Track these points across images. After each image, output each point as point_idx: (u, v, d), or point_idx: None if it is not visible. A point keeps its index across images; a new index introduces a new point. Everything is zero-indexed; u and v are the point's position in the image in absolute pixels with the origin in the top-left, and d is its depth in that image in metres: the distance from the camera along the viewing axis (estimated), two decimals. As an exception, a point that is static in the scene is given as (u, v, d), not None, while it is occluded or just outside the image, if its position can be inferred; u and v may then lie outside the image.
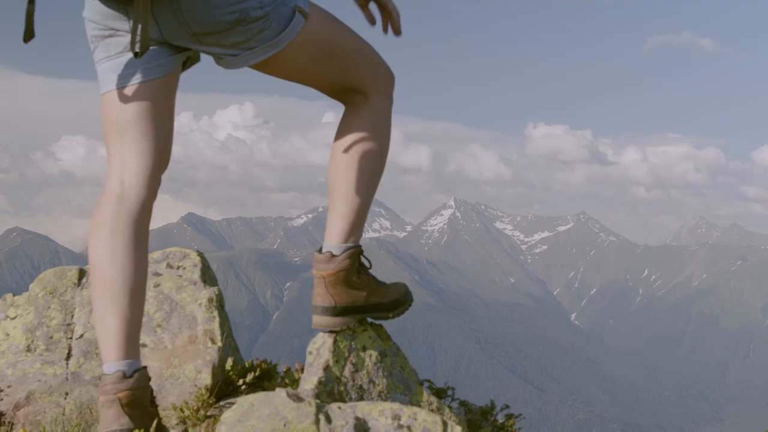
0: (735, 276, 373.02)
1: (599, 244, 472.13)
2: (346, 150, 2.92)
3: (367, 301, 3.01)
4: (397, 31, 2.88)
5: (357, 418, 2.54)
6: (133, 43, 2.54)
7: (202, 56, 2.84)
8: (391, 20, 2.88)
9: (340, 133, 2.95)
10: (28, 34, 2.61)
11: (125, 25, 2.61)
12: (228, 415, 2.51)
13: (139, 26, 2.52)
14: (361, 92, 2.91)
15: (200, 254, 3.69)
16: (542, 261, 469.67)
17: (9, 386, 3.20)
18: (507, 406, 3.54)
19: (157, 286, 3.48)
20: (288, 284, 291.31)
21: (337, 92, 2.95)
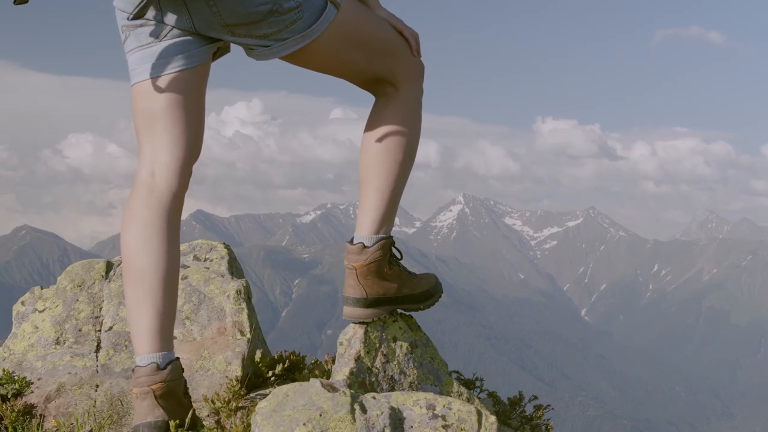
0: (746, 271, 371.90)
1: (609, 239, 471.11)
2: (377, 140, 2.92)
3: (399, 292, 3.01)
4: (416, 55, 2.94)
5: (392, 408, 2.54)
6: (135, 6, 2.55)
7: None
8: (408, 45, 2.93)
9: (371, 124, 2.94)
10: None
11: (157, 14, 2.61)
12: (263, 405, 2.51)
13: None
14: (391, 83, 2.91)
15: (227, 246, 3.70)
16: (552, 256, 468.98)
17: (39, 379, 3.20)
18: (535, 397, 3.54)
19: (184, 278, 3.49)
20: (297, 281, 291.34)
21: (367, 83, 2.94)
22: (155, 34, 2.64)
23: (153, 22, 2.63)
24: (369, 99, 3.00)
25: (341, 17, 2.72)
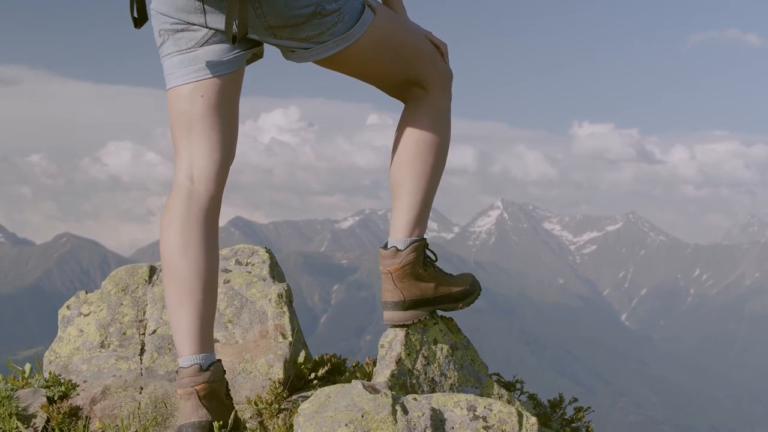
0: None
1: (649, 243, 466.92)
2: (409, 144, 2.95)
3: (436, 292, 3.02)
4: (446, 61, 3.00)
5: (433, 409, 2.56)
6: (229, 27, 2.57)
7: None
8: (439, 51, 2.98)
9: (402, 128, 2.98)
10: (141, 18, 2.67)
11: (200, 18, 2.65)
12: (305, 406, 2.54)
13: (236, 10, 2.55)
14: (421, 87, 2.96)
15: (268, 251, 3.73)
16: (591, 261, 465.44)
17: (85, 381, 3.26)
18: (575, 399, 3.53)
19: (227, 282, 3.53)
20: (335, 287, 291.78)
21: (397, 89, 2.98)
22: (195, 39, 2.68)
23: (195, 27, 2.67)
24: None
25: (378, 22, 2.78)
